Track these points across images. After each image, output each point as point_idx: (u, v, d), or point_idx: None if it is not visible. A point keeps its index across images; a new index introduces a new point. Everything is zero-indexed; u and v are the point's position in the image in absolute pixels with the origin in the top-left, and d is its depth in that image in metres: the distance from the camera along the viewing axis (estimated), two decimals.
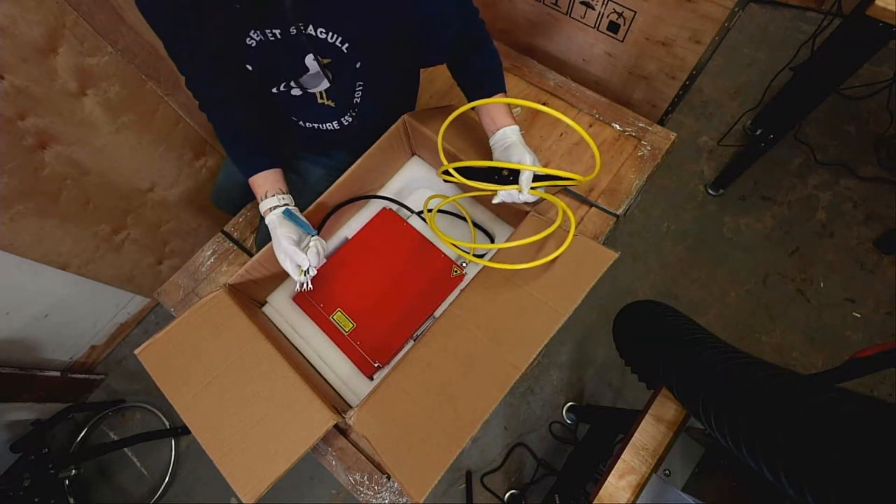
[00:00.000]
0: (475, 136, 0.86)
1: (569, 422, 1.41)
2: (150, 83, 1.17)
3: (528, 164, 0.69)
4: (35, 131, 1.01)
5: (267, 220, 0.77)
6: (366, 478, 0.77)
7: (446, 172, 0.74)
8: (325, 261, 0.78)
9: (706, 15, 0.93)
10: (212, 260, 0.99)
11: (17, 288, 1.20)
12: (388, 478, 0.77)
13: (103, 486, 1.45)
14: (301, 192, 0.82)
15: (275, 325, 0.89)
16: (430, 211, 0.93)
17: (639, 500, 0.63)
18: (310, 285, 0.79)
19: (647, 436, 0.66)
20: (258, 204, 0.79)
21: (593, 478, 1.06)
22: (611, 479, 0.64)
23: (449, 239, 0.75)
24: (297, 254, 0.73)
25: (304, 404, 0.67)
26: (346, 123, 0.85)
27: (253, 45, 0.67)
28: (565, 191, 0.95)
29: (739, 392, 0.50)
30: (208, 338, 0.72)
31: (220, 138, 0.82)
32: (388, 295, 0.86)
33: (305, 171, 0.96)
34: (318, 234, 0.77)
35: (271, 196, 0.78)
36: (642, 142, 0.99)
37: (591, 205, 0.94)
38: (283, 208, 0.77)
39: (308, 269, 0.74)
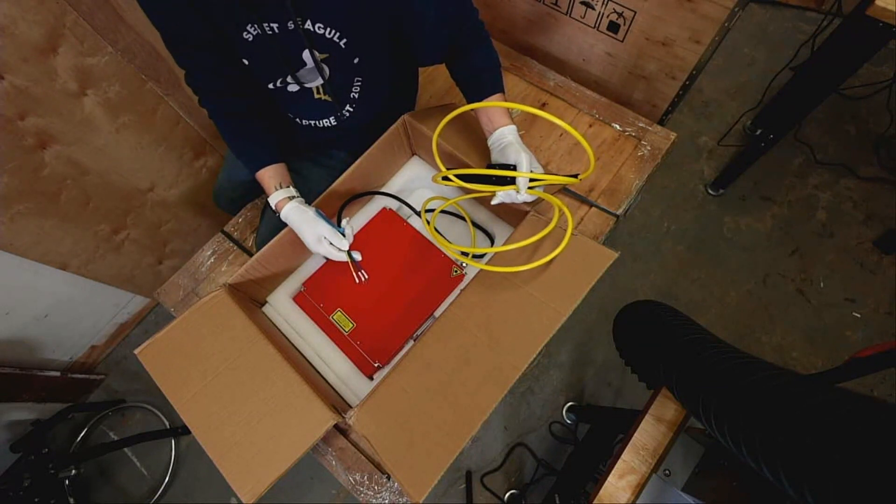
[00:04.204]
0: (474, 135, 0.86)
1: (569, 422, 1.41)
2: (150, 83, 1.17)
3: (524, 164, 0.69)
4: (35, 131, 1.01)
5: (285, 209, 0.78)
6: (366, 478, 0.77)
7: (445, 178, 0.75)
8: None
9: (706, 15, 0.93)
10: (212, 260, 0.99)
11: (17, 288, 1.20)
12: (388, 478, 0.77)
13: (103, 486, 1.45)
14: (301, 193, 0.82)
15: (275, 325, 0.89)
16: (428, 211, 0.93)
17: (639, 500, 0.63)
18: (356, 256, 0.85)
19: (647, 436, 0.66)
20: (267, 198, 0.81)
21: (593, 478, 1.06)
22: (611, 479, 0.64)
23: (447, 243, 0.76)
24: (335, 235, 0.78)
25: (304, 404, 0.67)
26: (343, 120, 0.86)
27: (250, 39, 0.67)
28: (565, 191, 0.95)
29: (739, 392, 0.50)
30: (208, 338, 0.72)
31: (223, 134, 0.82)
32: (388, 295, 0.86)
33: (305, 171, 0.96)
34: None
35: (284, 187, 0.80)
36: (642, 142, 0.99)
37: (591, 205, 0.94)
38: (300, 199, 0.79)
39: (351, 253, 0.82)
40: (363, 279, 0.86)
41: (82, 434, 1.50)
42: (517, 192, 0.69)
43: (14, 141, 0.99)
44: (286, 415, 0.66)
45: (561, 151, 1.01)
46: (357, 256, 0.84)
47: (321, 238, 0.77)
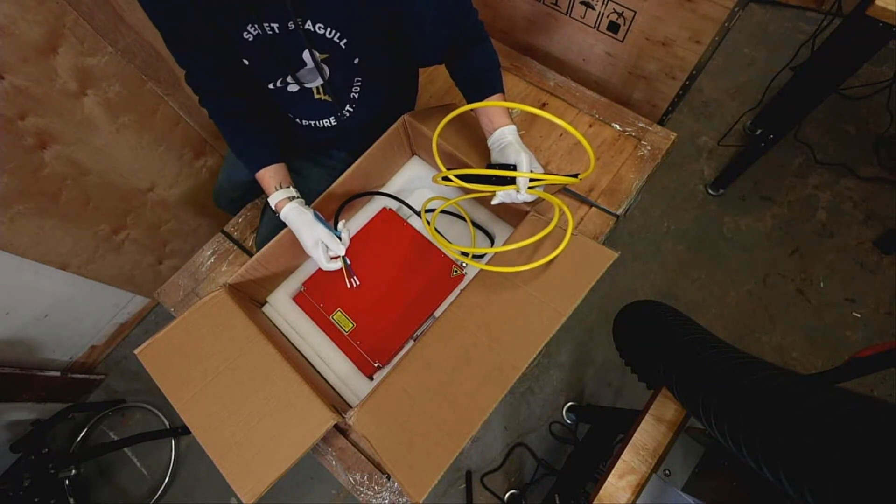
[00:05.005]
0: (474, 135, 0.86)
1: (569, 422, 1.41)
2: (150, 83, 1.17)
3: (524, 164, 0.69)
4: (35, 131, 1.01)
5: (285, 210, 0.78)
6: (366, 478, 0.77)
7: (446, 178, 0.75)
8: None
9: (706, 15, 0.93)
10: (212, 260, 0.99)
11: (17, 288, 1.20)
12: (388, 478, 0.77)
13: (103, 486, 1.45)
14: (301, 193, 0.82)
15: (275, 325, 0.89)
16: (428, 211, 0.93)
17: (639, 500, 0.63)
18: (345, 261, 0.84)
19: (647, 436, 0.66)
20: (267, 198, 0.81)
21: (593, 478, 1.06)
22: (611, 479, 0.64)
23: (447, 243, 0.76)
24: (332, 239, 0.77)
25: (304, 404, 0.67)
26: (343, 120, 0.86)
27: (250, 39, 0.67)
28: (565, 191, 0.95)
29: (739, 392, 0.50)
30: (208, 338, 0.72)
31: (223, 134, 0.82)
32: (388, 295, 0.86)
33: (305, 171, 0.96)
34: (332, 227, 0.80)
35: (284, 188, 0.80)
36: (642, 142, 0.99)
37: (592, 205, 0.94)
38: (300, 199, 0.79)
39: (344, 257, 0.81)
40: (354, 285, 0.86)
41: (82, 434, 1.50)
42: (517, 191, 0.69)
43: (14, 141, 0.99)
44: (286, 415, 0.66)
45: (561, 151, 1.01)
46: (347, 261, 0.84)
47: (318, 241, 0.77)
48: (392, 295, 0.86)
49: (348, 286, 0.86)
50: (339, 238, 0.80)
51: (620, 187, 0.94)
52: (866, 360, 0.55)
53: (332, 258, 0.80)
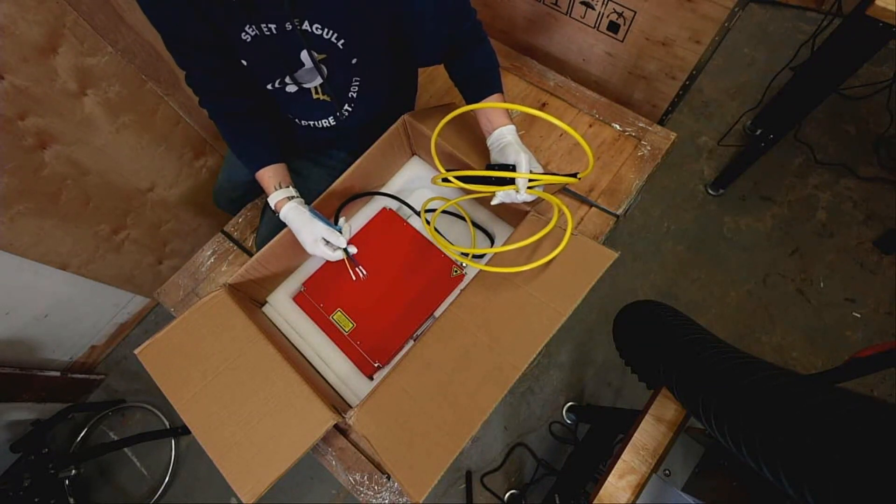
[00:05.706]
0: (474, 135, 0.86)
1: (569, 422, 1.41)
2: (150, 83, 1.17)
3: (523, 164, 0.70)
4: (35, 131, 1.01)
5: (284, 209, 0.78)
6: (366, 478, 0.77)
7: (445, 179, 0.75)
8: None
9: (706, 15, 0.93)
10: (212, 260, 0.99)
11: (17, 288, 1.20)
12: (388, 478, 0.77)
13: (103, 486, 1.45)
14: (301, 193, 0.82)
15: (275, 325, 0.89)
16: (428, 211, 0.93)
17: (639, 500, 0.63)
18: (351, 250, 0.83)
19: (647, 436, 0.66)
20: (266, 198, 0.81)
21: (593, 478, 1.06)
22: (611, 479, 0.64)
23: (447, 244, 0.76)
24: (332, 233, 0.77)
25: (304, 404, 0.67)
26: (342, 120, 0.86)
27: (248, 40, 0.67)
28: (565, 190, 0.95)
29: (739, 392, 0.50)
30: (208, 338, 0.72)
31: (223, 134, 0.82)
32: (388, 295, 0.86)
33: (305, 172, 0.96)
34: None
35: (284, 187, 0.80)
36: (642, 142, 0.99)
37: (592, 205, 0.94)
38: (299, 199, 0.79)
39: (347, 248, 0.80)
40: (361, 276, 0.86)
41: (82, 434, 1.50)
42: (517, 191, 0.70)
43: (14, 141, 0.99)
44: (286, 415, 0.66)
45: (561, 151, 1.01)
46: (353, 250, 0.83)
47: (318, 239, 0.77)
48: (392, 295, 0.86)
49: (353, 278, 0.86)
50: (339, 232, 0.80)
51: (620, 187, 0.94)
52: (866, 360, 0.55)
53: (334, 250, 0.80)
